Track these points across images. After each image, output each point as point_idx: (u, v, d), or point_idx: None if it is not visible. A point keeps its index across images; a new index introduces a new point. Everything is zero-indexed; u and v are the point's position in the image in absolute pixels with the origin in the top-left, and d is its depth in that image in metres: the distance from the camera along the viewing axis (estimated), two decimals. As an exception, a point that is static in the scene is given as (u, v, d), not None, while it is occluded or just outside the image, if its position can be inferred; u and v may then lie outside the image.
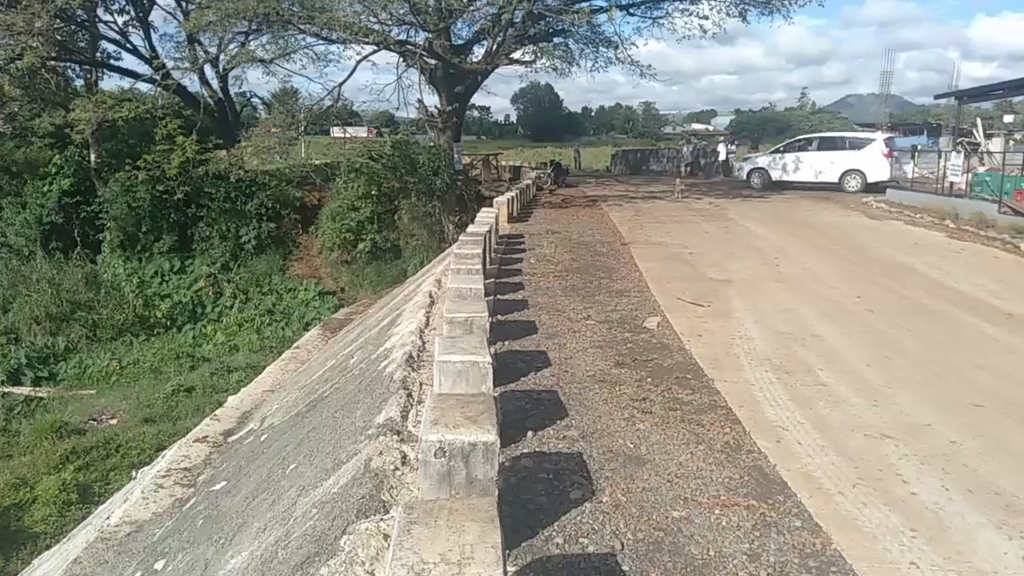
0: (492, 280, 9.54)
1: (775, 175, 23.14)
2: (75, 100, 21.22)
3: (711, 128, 72.10)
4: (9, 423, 15.64)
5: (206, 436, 9.15)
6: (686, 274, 10.26)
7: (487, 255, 10.04)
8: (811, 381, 5.90)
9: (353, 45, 18.49)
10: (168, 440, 13.62)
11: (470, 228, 10.29)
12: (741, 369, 6.19)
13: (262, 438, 7.57)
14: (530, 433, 4.69)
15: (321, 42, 18.50)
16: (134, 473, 9.42)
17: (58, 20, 25.88)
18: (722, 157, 27.89)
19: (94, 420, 15.42)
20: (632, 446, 4.56)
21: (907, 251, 11.90)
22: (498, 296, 8.73)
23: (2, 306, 21.20)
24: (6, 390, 16.96)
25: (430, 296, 8.40)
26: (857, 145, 22.58)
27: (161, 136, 19.75)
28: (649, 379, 5.84)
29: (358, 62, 19.55)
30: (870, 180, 21.15)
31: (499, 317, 7.71)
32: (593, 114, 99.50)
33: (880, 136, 23.22)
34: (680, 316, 7.88)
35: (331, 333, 13.55)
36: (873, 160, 21.47)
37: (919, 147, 24.56)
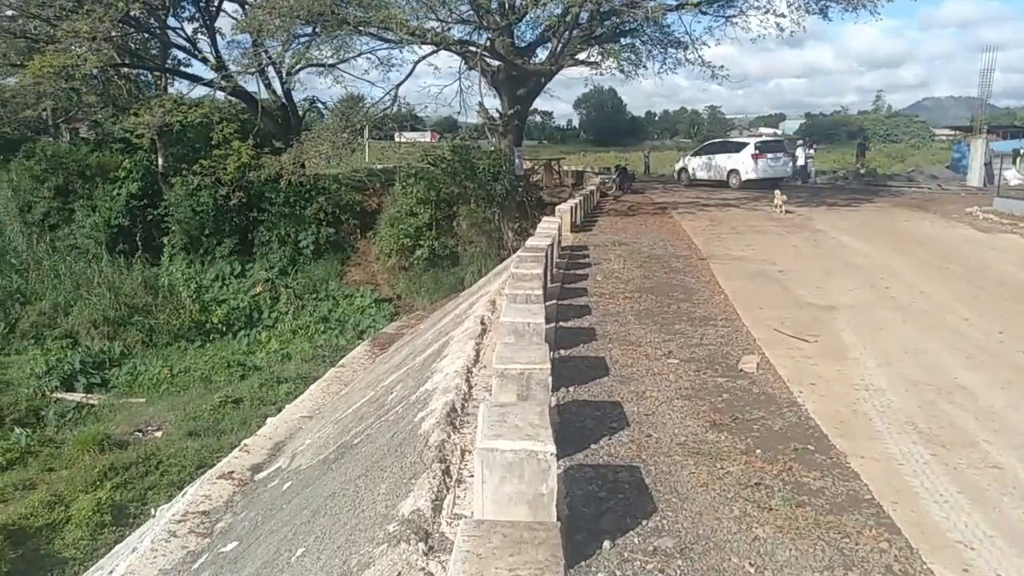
0: (554, 302, 8.18)
1: (691, 174, 26.60)
2: (135, 104, 20.78)
3: (779, 132, 69.07)
4: (58, 431, 15.10)
5: (232, 472, 8.07)
6: (779, 297, 8.69)
7: (548, 272, 8.69)
8: (980, 460, 4.35)
9: (412, 47, 17.45)
10: (210, 456, 12.74)
11: (529, 242, 8.96)
12: (879, 437, 4.67)
13: (285, 486, 6.42)
14: (607, 543, 3.32)
15: (378, 43, 17.56)
16: (153, 511, 8.42)
17: (127, 27, 25.87)
18: (800, 162, 25.83)
19: (139, 431, 14.70)
20: (754, 571, 3.14)
21: (1037, 271, 10.05)
22: (560, 323, 7.37)
23: (64, 309, 20.89)
24: (59, 396, 16.47)
25: (482, 323, 7.10)
26: (737, 149, 25.43)
27: (218, 140, 19.08)
28: (759, 450, 4.39)
29: (416, 63, 18.50)
30: (744, 178, 24.07)
31: (561, 352, 6.35)
32: (657, 118, 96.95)
33: (753, 141, 26.21)
34: (782, 354, 6.37)
35: (379, 349, 12.43)
36: (747, 161, 24.26)
37: (1021, 151, 22.08)
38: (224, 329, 21.01)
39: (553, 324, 7.24)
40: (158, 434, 14.60)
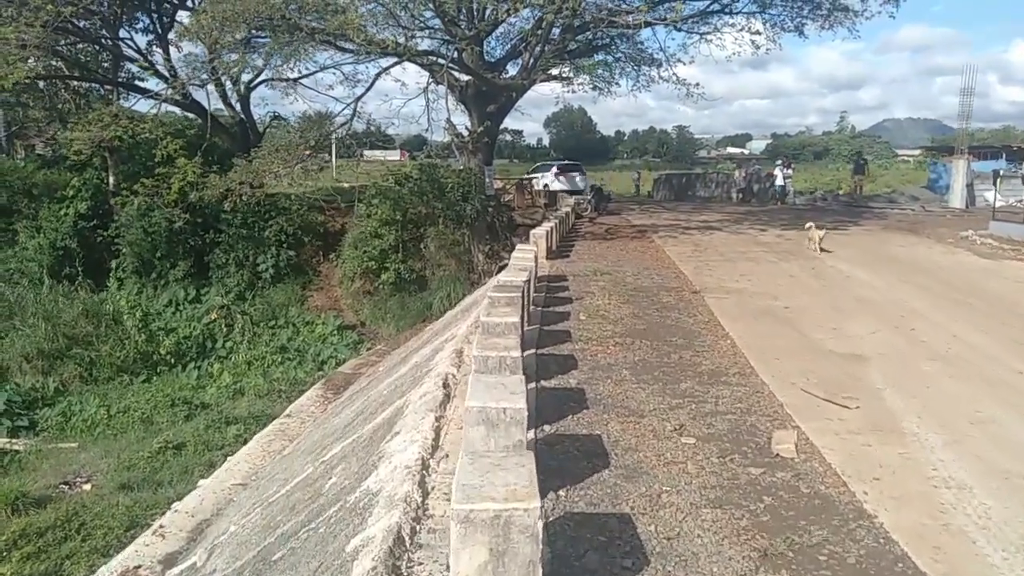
0: (532, 351, 6.74)
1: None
2: (72, 120, 18.98)
3: (747, 152, 68.94)
4: (-27, 484, 13.19)
5: (139, 566, 6.48)
6: (794, 343, 7.35)
7: (525, 313, 7.25)
8: None
9: (376, 59, 16.01)
10: (143, 515, 10.95)
11: (502, 277, 7.52)
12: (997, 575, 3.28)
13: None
14: None
15: (342, 55, 16.09)
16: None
17: (73, 36, 24.06)
18: (779, 182, 24.81)
19: (66, 484, 12.82)
20: None
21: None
22: (542, 382, 5.93)
23: (-6, 341, 18.87)
24: (-22, 442, 14.54)
25: (444, 385, 5.63)
26: (547, 169, 31.31)
27: (161, 157, 17.36)
28: (841, 609, 2.97)
29: (377, 75, 17.06)
30: (550, 189, 28.15)
31: (546, 429, 4.90)
32: (626, 138, 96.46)
33: (556, 164, 32.51)
34: (822, 428, 4.99)
35: (332, 394, 10.86)
36: (551, 177, 29.61)
37: (1001, 172, 21.28)
38: (173, 361, 19.16)
39: (534, 384, 5.80)
40: (87, 487, 12.75)
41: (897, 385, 5.95)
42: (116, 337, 19.09)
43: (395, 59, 14.96)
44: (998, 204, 18.72)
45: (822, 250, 12.37)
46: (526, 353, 6.44)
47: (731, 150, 74.25)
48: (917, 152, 71.11)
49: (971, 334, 7.60)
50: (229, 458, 9.15)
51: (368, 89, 16.60)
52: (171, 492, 11.97)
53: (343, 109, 16.54)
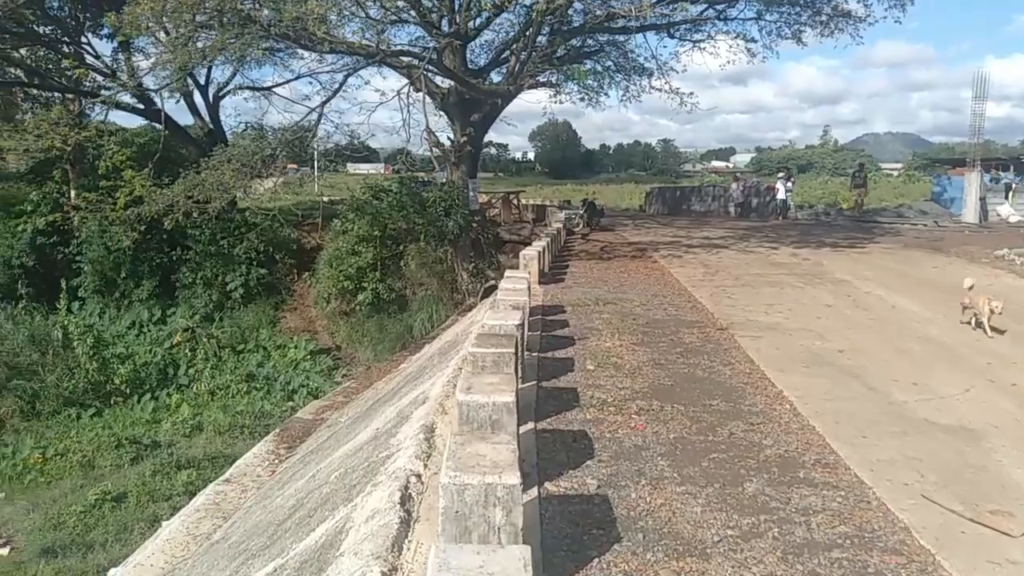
0: (531, 426, 4.83)
1: None
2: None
3: (731, 165, 67.69)
4: None
5: None
6: (873, 408, 5.46)
7: (519, 364, 5.34)
8: None
9: (342, 57, 14.09)
10: (63, 591, 9.08)
11: (489, 320, 5.58)
12: None
13: None
14: None
15: (294, 48, 14.14)
16: None
17: (31, 43, 22.03)
18: (781, 196, 23.08)
19: (-20, 547, 10.77)
20: None
21: None
22: (547, 484, 4.02)
23: (-74, 372, 16.63)
24: None
25: (403, 501, 3.67)
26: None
27: (105, 169, 15.30)
28: None
29: (346, 76, 15.10)
30: None
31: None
32: (611, 151, 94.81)
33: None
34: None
35: (285, 449, 8.86)
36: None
37: (1014, 185, 19.69)
38: (128, 391, 17.00)
39: (536, 490, 3.89)
40: (4, 551, 10.64)
41: (1053, 486, 4.08)
42: (65, 365, 16.92)
43: (362, 57, 13.00)
44: (1013, 219, 17.10)
45: (993, 329, 7.58)
46: (522, 428, 4.53)
47: (716, 163, 73.02)
48: (899, 165, 70.27)
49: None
50: (142, 547, 7.12)
51: (335, 93, 14.67)
52: (102, 557, 9.90)
53: (306, 115, 14.50)
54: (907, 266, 12.55)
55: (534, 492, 3.85)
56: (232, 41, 10.58)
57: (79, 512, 11.16)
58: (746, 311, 8.87)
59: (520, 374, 5.52)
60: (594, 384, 5.87)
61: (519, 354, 5.31)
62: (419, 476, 4.01)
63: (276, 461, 8.34)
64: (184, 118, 24.29)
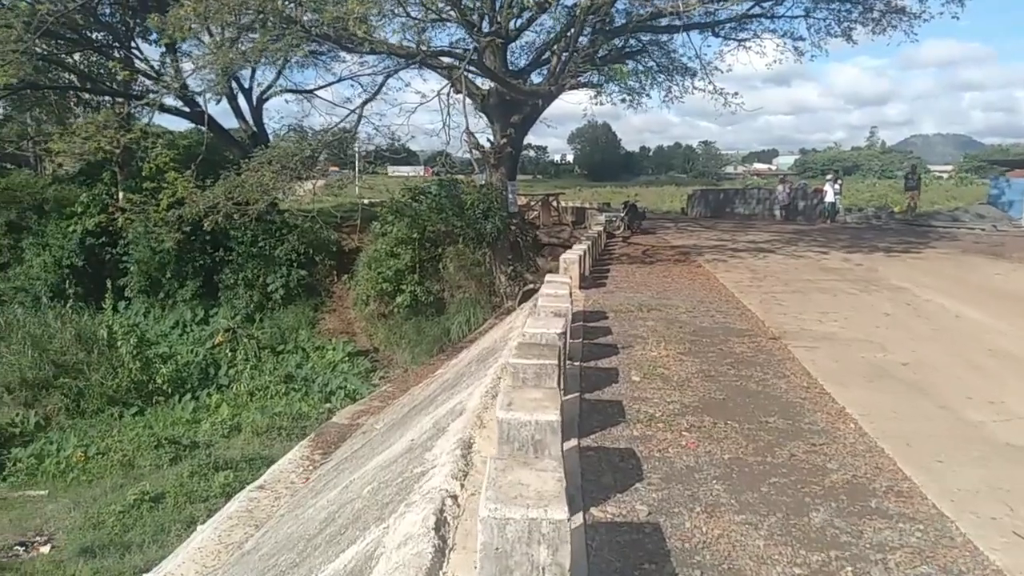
0: (574, 443, 4.52)
1: None
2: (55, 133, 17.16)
3: (774, 168, 66.22)
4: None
5: None
6: (946, 429, 5.00)
7: (562, 376, 5.01)
8: None
9: (383, 58, 13.96)
10: (100, 593, 9.07)
11: (530, 327, 5.28)
12: None
13: None
14: None
15: (336, 51, 14.06)
16: None
17: (83, 47, 22.47)
18: (829, 199, 22.25)
19: (22, 545, 10.80)
20: None
21: None
22: (593, 509, 3.69)
23: (-23, 368, 17.00)
24: (-62, 488, 12.61)
25: (438, 526, 3.39)
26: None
27: (149, 171, 15.42)
28: None
29: (387, 77, 15.04)
30: None
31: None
32: (651, 154, 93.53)
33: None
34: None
35: (320, 455, 8.69)
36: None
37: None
38: (170, 390, 17.14)
39: (581, 516, 3.57)
40: (45, 549, 10.71)
41: None
42: (109, 364, 17.14)
43: (401, 60, 12.82)
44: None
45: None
46: (566, 447, 4.21)
47: (758, 166, 71.47)
48: (949, 167, 67.84)
49: None
50: (173, 554, 6.99)
51: (375, 94, 14.60)
52: (139, 559, 9.89)
53: (346, 116, 14.40)
54: (968, 272, 11.87)
55: (579, 519, 3.54)
56: (274, 43, 10.50)
57: (118, 512, 11.19)
58: (798, 319, 8.41)
59: (562, 386, 5.21)
60: (640, 397, 5.53)
61: (562, 365, 5.00)
62: (455, 498, 3.72)
63: (310, 467, 8.17)
64: (229, 121, 24.61)
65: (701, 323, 8.28)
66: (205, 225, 13.72)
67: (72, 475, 13.10)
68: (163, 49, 23.97)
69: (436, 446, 4.81)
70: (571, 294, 7.32)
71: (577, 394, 5.55)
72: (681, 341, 7.32)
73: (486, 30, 14.24)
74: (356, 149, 25.23)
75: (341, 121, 14.51)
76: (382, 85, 14.74)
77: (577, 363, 6.41)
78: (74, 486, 12.88)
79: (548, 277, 8.42)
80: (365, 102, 14.28)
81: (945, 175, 60.11)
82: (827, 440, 4.71)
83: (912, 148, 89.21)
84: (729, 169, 74.39)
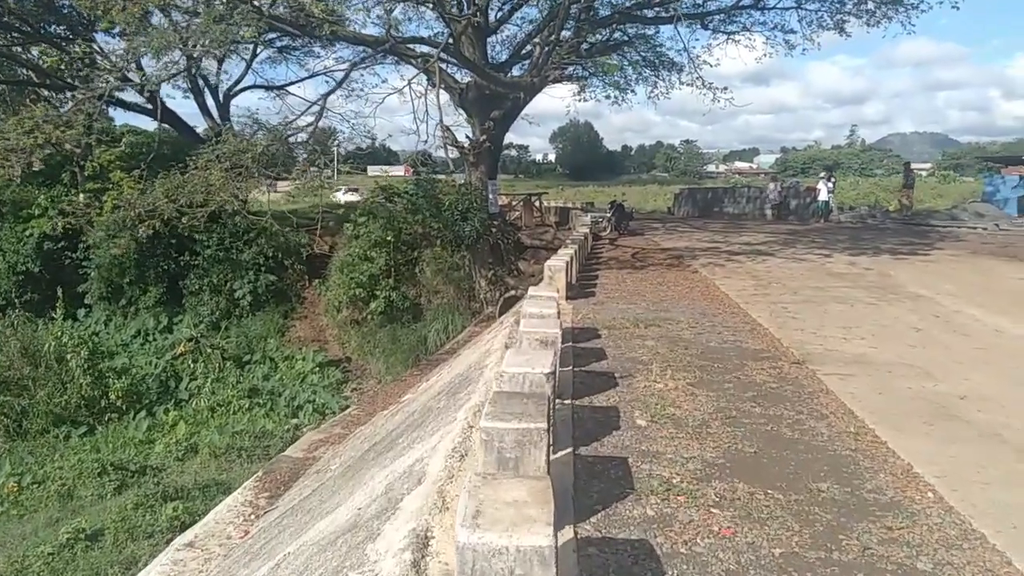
0: (570, 534, 3.24)
1: None
2: None
3: (755, 167, 65.52)
4: None
5: None
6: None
7: (550, 446, 3.75)
8: None
9: (345, 46, 12.63)
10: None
11: (509, 365, 4.02)
12: None
13: None
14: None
15: (287, 31, 12.70)
16: None
17: (43, 42, 20.90)
18: (823, 197, 21.19)
19: (-73, 599, 9.38)
20: None
21: None
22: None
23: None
24: None
25: None
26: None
27: (92, 170, 13.93)
28: None
29: (352, 66, 13.66)
30: None
31: None
32: (633, 153, 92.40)
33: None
34: None
35: (266, 499, 7.35)
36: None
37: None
38: (124, 407, 15.61)
39: None
40: (-45, 602, 9.28)
41: None
42: (58, 379, 15.59)
43: (374, 50, 11.49)
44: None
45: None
46: (559, 539, 2.92)
47: (739, 164, 70.73)
48: (927, 165, 67.57)
49: None
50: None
51: (339, 84, 13.25)
52: (67, 611, 8.56)
53: (307, 108, 13.04)
54: (986, 277, 10.78)
55: None
56: (216, 23, 9.15)
57: (47, 554, 9.69)
58: (819, 336, 7.20)
59: (551, 440, 3.94)
60: (650, 451, 4.27)
61: (551, 419, 3.72)
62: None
63: (252, 516, 6.84)
64: (202, 122, 23.14)
65: (708, 342, 7.05)
66: (140, 231, 12.29)
67: (1, 509, 11.61)
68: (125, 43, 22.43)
69: (383, 533, 3.52)
70: (559, 314, 6.05)
71: (570, 449, 4.28)
72: (689, 367, 6.08)
73: (464, 13, 12.94)
74: (334, 148, 23.84)
75: (301, 114, 13.13)
76: (347, 75, 13.46)
77: (568, 400, 5.15)
78: (3, 522, 11.40)
79: (532, 291, 7.16)
80: (327, 94, 12.97)
81: (924, 173, 59.74)
82: (904, 520, 3.48)
83: (890, 146, 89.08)
84: (711, 168, 73.51)
